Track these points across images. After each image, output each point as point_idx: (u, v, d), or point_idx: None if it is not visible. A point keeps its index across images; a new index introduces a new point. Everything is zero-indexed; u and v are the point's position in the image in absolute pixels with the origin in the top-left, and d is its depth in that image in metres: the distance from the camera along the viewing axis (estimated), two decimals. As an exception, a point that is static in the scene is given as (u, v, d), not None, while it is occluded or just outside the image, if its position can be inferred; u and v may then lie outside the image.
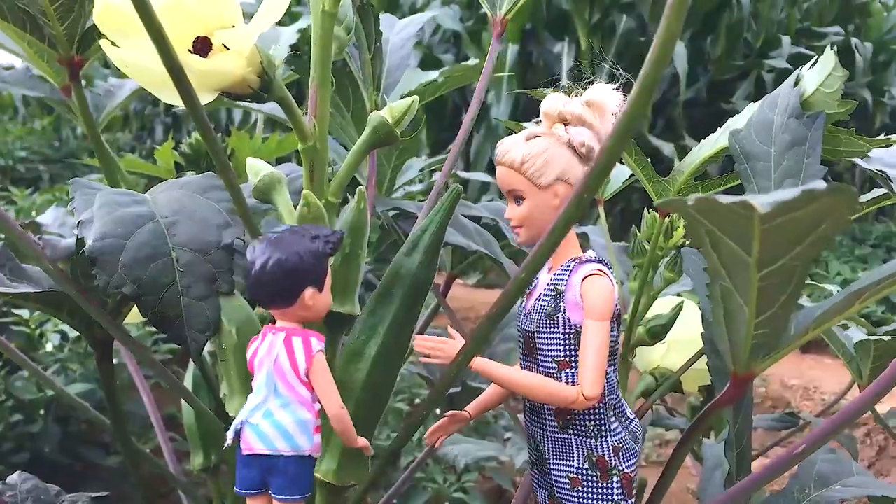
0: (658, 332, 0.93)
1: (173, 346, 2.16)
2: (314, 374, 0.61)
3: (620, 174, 1.08)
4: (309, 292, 0.61)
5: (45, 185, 4.41)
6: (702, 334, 0.86)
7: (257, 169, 0.66)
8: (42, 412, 1.89)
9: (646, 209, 0.92)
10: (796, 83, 0.70)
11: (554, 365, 0.71)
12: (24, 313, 1.97)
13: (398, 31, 1.07)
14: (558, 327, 0.70)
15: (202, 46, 0.61)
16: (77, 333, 1.93)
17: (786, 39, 5.49)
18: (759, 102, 0.74)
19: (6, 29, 0.87)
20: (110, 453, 1.97)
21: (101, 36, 0.64)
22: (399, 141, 0.68)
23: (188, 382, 1.01)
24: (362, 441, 0.66)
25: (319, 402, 0.63)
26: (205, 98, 0.60)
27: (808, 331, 0.60)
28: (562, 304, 0.70)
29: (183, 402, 1.04)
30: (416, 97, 0.68)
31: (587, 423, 0.71)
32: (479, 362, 0.69)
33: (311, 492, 0.64)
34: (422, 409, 0.67)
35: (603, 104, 0.70)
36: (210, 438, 1.01)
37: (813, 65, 0.71)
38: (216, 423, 0.79)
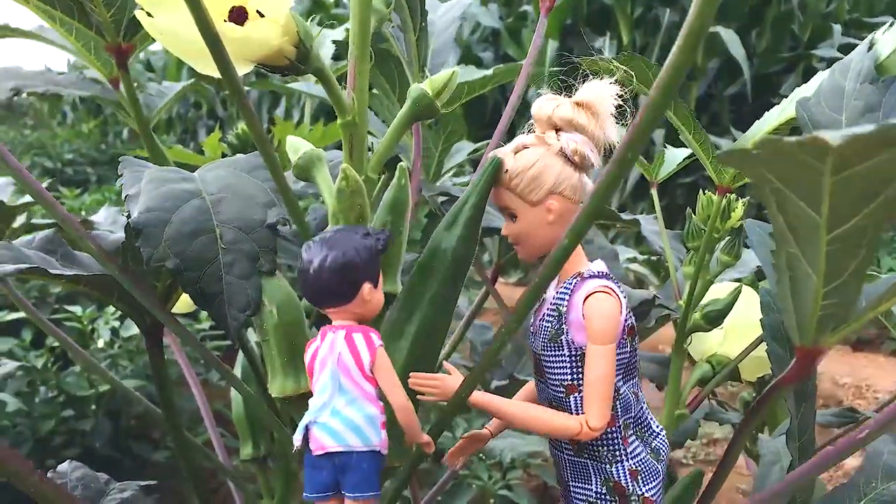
0: (715, 318, 0.90)
1: (221, 342, 2.18)
2: (378, 368, 0.61)
3: (674, 157, 1.05)
4: (367, 287, 0.61)
5: (93, 187, 4.50)
6: (761, 320, 0.83)
7: (297, 147, 0.65)
8: (93, 408, 1.92)
9: (701, 191, 0.89)
10: (870, 47, 0.66)
11: (562, 389, 0.67)
12: (77, 309, 2.00)
13: (442, 14, 1.05)
14: (563, 350, 0.66)
15: (238, 16, 0.60)
16: (129, 333, 1.97)
17: (836, 28, 5.35)
18: (828, 70, 0.70)
19: (54, 17, 0.87)
20: (159, 448, 1.99)
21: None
22: (439, 114, 0.65)
23: (237, 373, 1.01)
24: (426, 437, 0.64)
25: (382, 398, 0.62)
26: (241, 69, 0.59)
27: (880, 302, 0.56)
28: (564, 325, 0.65)
29: (232, 393, 1.04)
30: (456, 69, 0.66)
31: (600, 448, 0.67)
32: (477, 396, 0.65)
33: (381, 490, 0.63)
34: (456, 401, 0.64)
35: (595, 104, 0.65)
36: (259, 428, 1.01)
37: (889, 27, 0.67)
38: (265, 413, 0.78)
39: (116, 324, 2.03)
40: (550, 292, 0.69)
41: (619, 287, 0.66)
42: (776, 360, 0.80)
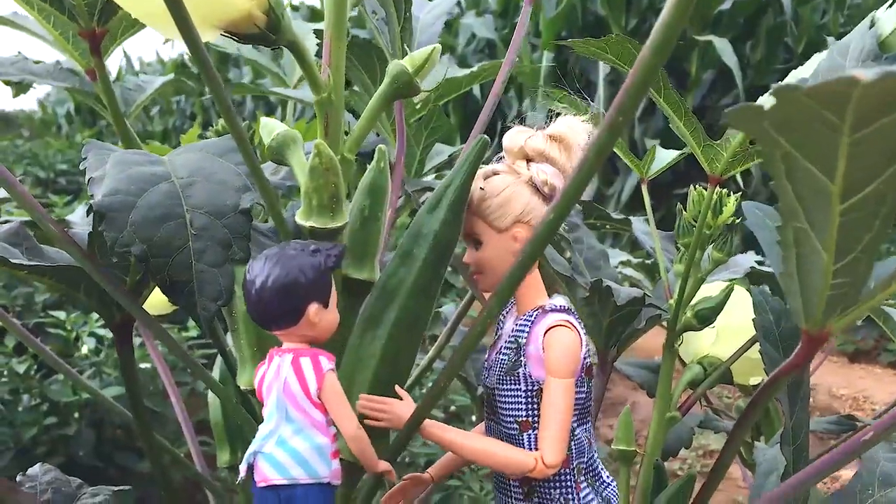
0: (707, 316, 0.87)
1: (206, 351, 2.15)
2: (326, 394, 0.58)
3: (666, 155, 1.02)
4: (313, 308, 0.58)
5: (84, 196, 4.48)
6: (754, 320, 0.80)
7: (271, 128, 0.62)
8: (76, 416, 1.89)
9: (692, 186, 0.87)
10: (871, 25, 0.64)
11: (515, 426, 0.65)
12: (62, 315, 1.97)
13: (429, 10, 1.03)
14: (519, 384, 0.64)
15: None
16: (111, 336, 1.94)
17: (830, 40, 5.36)
18: (826, 51, 0.68)
19: (31, 2, 0.84)
20: (143, 458, 1.95)
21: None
22: (419, 92, 0.63)
23: (214, 376, 0.98)
24: (383, 465, 0.62)
25: (335, 425, 0.60)
26: (207, 35, 0.57)
27: (891, 282, 0.54)
28: (522, 358, 0.64)
29: (209, 398, 1.01)
30: (438, 45, 0.63)
31: (552, 490, 0.65)
32: (428, 426, 0.63)
33: None
34: (428, 400, 0.63)
35: (568, 138, 0.65)
36: (236, 434, 0.98)
37: (891, 4, 0.64)
38: (243, 419, 0.75)
39: (102, 331, 2.00)
40: (508, 326, 0.68)
41: (579, 323, 0.65)
42: (770, 362, 0.78)
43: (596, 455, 0.69)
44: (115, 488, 0.90)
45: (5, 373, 1.82)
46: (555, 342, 0.63)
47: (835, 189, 0.42)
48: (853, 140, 0.37)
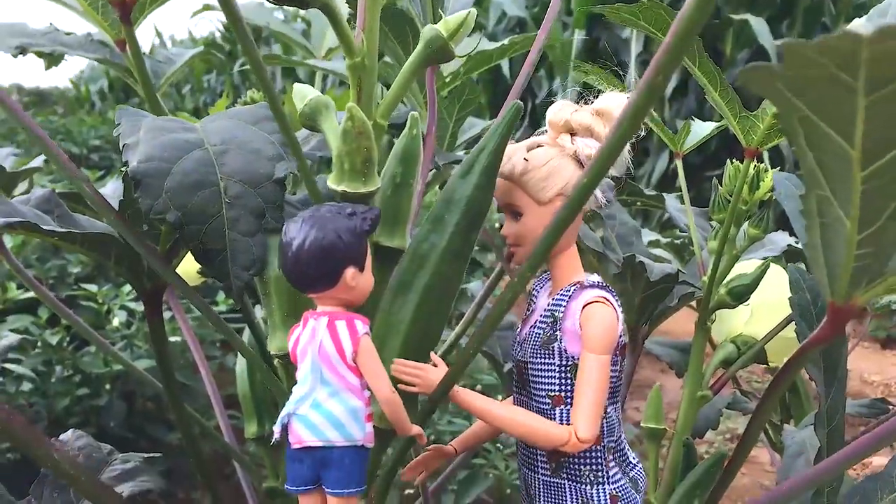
0: (741, 293, 0.85)
1: (233, 325, 2.15)
2: (361, 357, 0.58)
3: (701, 129, 1.00)
4: (350, 272, 0.57)
5: (116, 171, 4.52)
6: (790, 298, 0.79)
7: (303, 94, 0.61)
8: (108, 387, 1.91)
9: (728, 160, 0.85)
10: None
11: (548, 400, 0.65)
12: (93, 287, 1.99)
13: (461, -22, 1.01)
14: (553, 358, 0.64)
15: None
16: (142, 308, 1.95)
17: (870, 16, 5.25)
18: (863, 18, 0.66)
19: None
20: (173, 430, 1.98)
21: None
22: (453, 57, 0.62)
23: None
24: (416, 429, 0.62)
25: (369, 389, 0.60)
26: (244, -6, 0.56)
27: None
28: (558, 332, 0.64)
29: (237, 370, 1.02)
30: (473, 10, 0.62)
31: (582, 467, 0.65)
32: (459, 393, 0.63)
33: (366, 485, 0.60)
34: (443, 386, 0.63)
35: (612, 113, 0.65)
36: (264, 406, 0.99)
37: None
38: (272, 383, 0.75)
39: (133, 304, 2.02)
40: (542, 301, 0.68)
41: (617, 301, 0.65)
42: (804, 339, 0.76)
43: (623, 436, 0.69)
44: (146, 455, 0.91)
45: (39, 344, 1.84)
46: (592, 318, 0.63)
47: (855, 154, 0.40)
48: (870, 102, 0.35)
